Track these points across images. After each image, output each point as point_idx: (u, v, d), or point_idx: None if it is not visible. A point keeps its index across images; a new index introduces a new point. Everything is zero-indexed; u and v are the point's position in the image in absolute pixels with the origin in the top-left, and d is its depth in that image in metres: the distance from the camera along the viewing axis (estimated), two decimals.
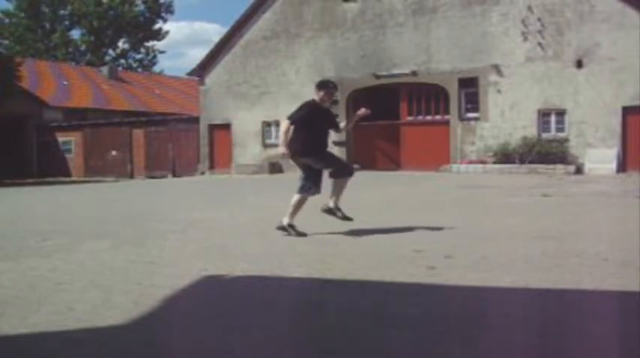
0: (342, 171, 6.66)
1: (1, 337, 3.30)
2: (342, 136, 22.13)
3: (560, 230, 6.64)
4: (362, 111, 7.03)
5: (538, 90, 19.01)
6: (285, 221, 6.49)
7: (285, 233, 6.45)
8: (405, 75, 21.05)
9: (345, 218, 6.66)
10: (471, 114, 20.28)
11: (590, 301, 3.92)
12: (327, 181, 6.69)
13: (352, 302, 3.94)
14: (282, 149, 6.48)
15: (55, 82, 34.85)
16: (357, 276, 4.55)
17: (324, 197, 6.68)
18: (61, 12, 49.68)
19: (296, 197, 6.50)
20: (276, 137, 22.89)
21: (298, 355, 3.05)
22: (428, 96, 21.19)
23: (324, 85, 6.78)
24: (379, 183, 15.50)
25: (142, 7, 51.62)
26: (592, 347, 3.05)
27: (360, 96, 22.20)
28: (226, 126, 25.10)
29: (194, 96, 32.29)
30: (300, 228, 6.48)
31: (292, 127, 6.45)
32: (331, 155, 6.82)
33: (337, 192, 6.67)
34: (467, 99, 20.32)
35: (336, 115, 21.83)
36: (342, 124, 7.61)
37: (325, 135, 6.73)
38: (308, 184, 6.51)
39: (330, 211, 6.68)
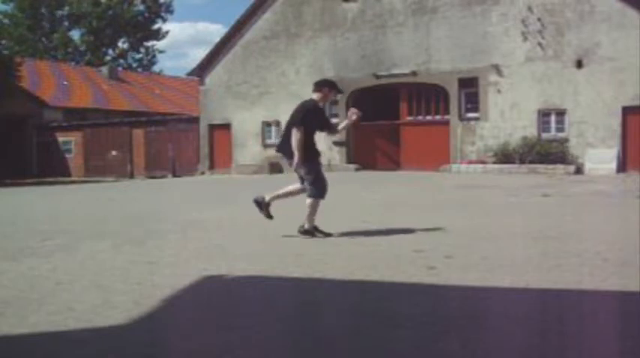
0: (323, 190, 6.40)
1: (1, 337, 3.30)
2: (342, 136, 22.15)
3: (560, 230, 6.64)
4: (354, 114, 6.55)
5: (538, 90, 19.01)
6: (307, 225, 6.38)
7: (309, 236, 6.32)
8: (405, 75, 21.04)
9: (325, 235, 6.35)
10: (471, 114, 20.28)
11: (590, 301, 3.92)
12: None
13: (352, 302, 3.94)
14: (296, 160, 6.21)
15: (55, 82, 34.83)
16: (357, 276, 4.55)
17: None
18: (60, 12, 49.66)
19: (309, 201, 6.37)
20: (277, 137, 22.89)
21: (298, 355, 3.05)
22: (428, 96, 21.18)
23: (327, 83, 6.75)
24: (379, 183, 15.50)
25: (141, 7, 51.62)
26: (592, 347, 3.05)
27: (360, 96, 22.21)
28: (226, 126, 25.09)
29: (194, 96, 32.27)
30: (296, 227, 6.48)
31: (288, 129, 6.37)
32: (318, 170, 6.50)
33: (313, 211, 6.36)
34: (467, 99, 20.32)
35: (337, 115, 21.93)
36: (341, 125, 7.15)
37: (313, 137, 6.53)
38: (318, 186, 6.38)
39: (307, 232, 6.35)
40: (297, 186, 6.52)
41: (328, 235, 6.36)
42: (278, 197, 6.59)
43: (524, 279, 4.30)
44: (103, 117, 32.07)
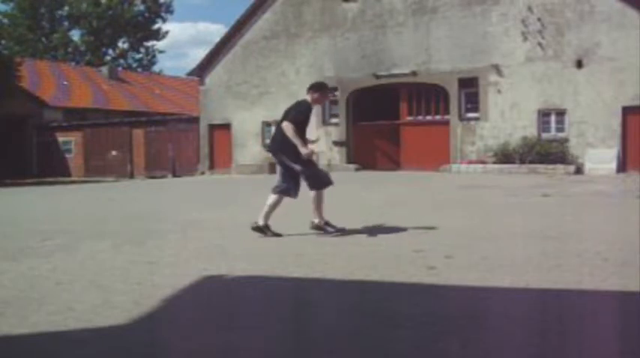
0: (321, 182, 6.45)
1: (1, 337, 3.30)
2: (341, 136, 22.17)
3: (560, 230, 6.64)
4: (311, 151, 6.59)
5: (538, 90, 19.00)
6: (261, 222, 6.43)
7: (261, 234, 6.39)
8: (405, 75, 21.03)
9: (337, 230, 6.45)
10: (471, 114, 20.27)
11: (590, 301, 3.92)
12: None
13: (352, 302, 3.94)
14: (305, 150, 6.22)
15: (55, 82, 34.82)
16: (357, 276, 4.55)
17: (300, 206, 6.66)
18: (60, 12, 49.68)
19: (272, 198, 6.44)
20: None
21: (298, 355, 3.05)
22: (428, 96, 21.18)
23: (320, 87, 6.79)
24: (379, 182, 15.49)
25: (141, 7, 51.63)
26: (592, 347, 3.05)
27: (360, 96, 22.21)
28: (226, 126, 25.09)
29: (194, 96, 32.27)
30: (298, 228, 6.48)
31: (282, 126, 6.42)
32: (313, 163, 6.61)
33: (319, 204, 6.45)
34: (467, 99, 20.31)
35: (337, 115, 22.06)
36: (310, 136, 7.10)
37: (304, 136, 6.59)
38: (288, 186, 6.45)
39: (319, 228, 6.45)
40: (273, 196, 6.49)
41: (341, 229, 6.45)
42: (268, 214, 6.47)
43: (524, 279, 4.30)
44: (103, 117, 32.07)
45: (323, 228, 6.45)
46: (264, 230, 6.42)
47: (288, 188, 6.45)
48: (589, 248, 5.42)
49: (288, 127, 6.29)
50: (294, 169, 6.42)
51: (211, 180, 21.22)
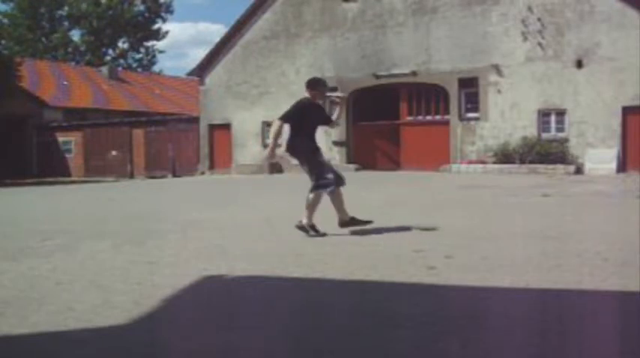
0: (333, 181, 6.39)
1: (1, 337, 3.30)
2: (341, 136, 22.17)
3: (560, 230, 6.64)
4: (337, 98, 7.68)
5: (538, 90, 19.01)
6: (305, 221, 6.38)
7: (305, 234, 6.33)
8: (405, 75, 21.03)
9: (320, 235, 6.33)
10: (471, 114, 20.27)
11: (590, 301, 3.92)
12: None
13: (352, 303, 3.94)
14: (268, 152, 6.39)
15: (55, 82, 34.82)
16: (357, 276, 4.55)
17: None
18: (59, 12, 49.69)
19: (310, 196, 6.41)
20: None
21: (298, 355, 3.05)
22: (428, 96, 21.18)
23: (315, 84, 6.82)
24: (379, 183, 15.49)
25: (141, 7, 51.64)
26: (592, 347, 3.05)
27: (360, 96, 22.21)
28: (226, 126, 25.09)
29: (194, 96, 32.27)
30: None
31: (287, 126, 6.46)
32: (321, 162, 6.55)
33: (312, 206, 6.37)
34: (467, 99, 20.31)
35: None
36: (334, 115, 7.22)
37: (314, 134, 6.61)
38: (325, 178, 6.37)
39: (302, 228, 6.35)
40: (311, 195, 6.45)
41: (323, 235, 6.34)
42: (311, 213, 6.40)
43: (524, 279, 4.30)
44: (103, 117, 32.06)
45: (307, 229, 6.35)
46: (308, 229, 6.33)
47: (326, 180, 6.37)
48: (589, 248, 5.42)
49: (274, 124, 6.43)
50: (316, 162, 6.41)
51: (211, 180, 21.22)
